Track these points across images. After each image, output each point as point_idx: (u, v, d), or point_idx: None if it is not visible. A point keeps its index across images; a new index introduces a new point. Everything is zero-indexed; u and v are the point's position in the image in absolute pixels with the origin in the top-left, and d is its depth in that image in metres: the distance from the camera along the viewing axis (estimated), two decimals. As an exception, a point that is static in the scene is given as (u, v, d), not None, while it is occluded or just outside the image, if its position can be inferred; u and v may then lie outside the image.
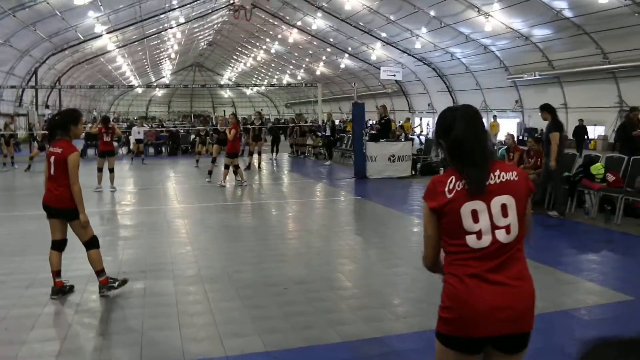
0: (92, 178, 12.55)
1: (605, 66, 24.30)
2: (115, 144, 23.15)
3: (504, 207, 2.22)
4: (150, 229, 8.65)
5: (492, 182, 2.24)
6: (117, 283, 5.40)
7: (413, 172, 15.64)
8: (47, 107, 34.64)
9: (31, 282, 5.73)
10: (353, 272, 6.52)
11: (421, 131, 35.53)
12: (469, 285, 2.19)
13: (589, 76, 25.60)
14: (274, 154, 21.89)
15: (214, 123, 22.42)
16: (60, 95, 38.42)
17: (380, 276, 6.23)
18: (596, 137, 26.45)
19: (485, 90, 33.40)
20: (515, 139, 13.66)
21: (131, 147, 23.25)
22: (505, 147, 12.62)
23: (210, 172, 14.74)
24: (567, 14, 22.71)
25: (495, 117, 30.40)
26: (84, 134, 20.36)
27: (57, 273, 5.34)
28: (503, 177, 2.26)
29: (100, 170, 12.74)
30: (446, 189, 2.24)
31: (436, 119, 2.57)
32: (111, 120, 14.76)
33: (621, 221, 8.80)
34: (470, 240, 2.20)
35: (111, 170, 12.86)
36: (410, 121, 36.11)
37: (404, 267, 6.52)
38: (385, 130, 16.67)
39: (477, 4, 24.67)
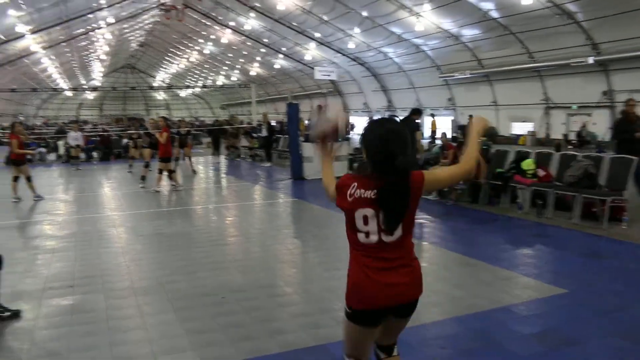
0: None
1: (530, 65, 25.21)
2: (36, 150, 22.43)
3: None
4: (80, 240, 8.24)
5: None
6: (7, 313, 4.93)
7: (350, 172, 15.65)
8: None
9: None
10: (292, 277, 6.41)
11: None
12: (362, 271, 2.71)
13: (516, 74, 26.51)
14: (215, 156, 21.55)
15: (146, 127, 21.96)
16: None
17: (319, 280, 6.14)
18: (525, 133, 27.34)
19: (418, 89, 34.02)
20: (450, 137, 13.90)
21: (61, 152, 22.52)
22: (440, 145, 12.82)
23: (143, 177, 14.30)
24: (494, 14, 23.42)
25: (433, 115, 31.00)
26: None
27: None
28: None
29: (15, 179, 12.15)
30: (348, 192, 2.66)
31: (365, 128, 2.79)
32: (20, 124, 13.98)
33: (552, 215, 9.08)
34: (360, 237, 2.66)
35: (28, 179, 12.23)
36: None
37: (344, 270, 6.39)
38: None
39: (408, 5, 25.09)
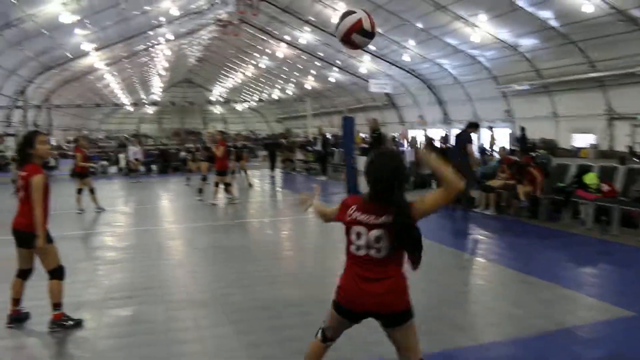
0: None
1: (592, 74, 24.39)
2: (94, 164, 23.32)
3: (378, 237, 3.05)
4: (140, 251, 8.47)
5: (378, 221, 3.04)
6: (70, 322, 5.05)
7: (406, 187, 15.51)
8: (36, 126, 34.39)
9: None
10: (347, 292, 6.36)
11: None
12: (351, 276, 3.19)
13: (577, 85, 25.68)
14: (272, 170, 21.78)
15: (203, 140, 22.61)
16: (50, 114, 38.10)
17: (374, 296, 6.07)
18: (587, 146, 26.43)
19: (475, 102, 33.48)
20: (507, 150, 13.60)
21: (122, 165, 23.32)
22: (499, 159, 12.56)
23: (200, 190, 14.58)
24: (553, 23, 22.82)
25: (491, 127, 30.37)
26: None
27: (16, 301, 5.12)
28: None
29: (79, 191, 12.60)
30: (348, 212, 3.16)
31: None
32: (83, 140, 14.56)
33: (618, 232, 8.72)
34: (352, 248, 3.16)
35: (92, 191, 12.67)
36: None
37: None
38: (377, 144, 16.54)
39: (464, 15, 24.79)
